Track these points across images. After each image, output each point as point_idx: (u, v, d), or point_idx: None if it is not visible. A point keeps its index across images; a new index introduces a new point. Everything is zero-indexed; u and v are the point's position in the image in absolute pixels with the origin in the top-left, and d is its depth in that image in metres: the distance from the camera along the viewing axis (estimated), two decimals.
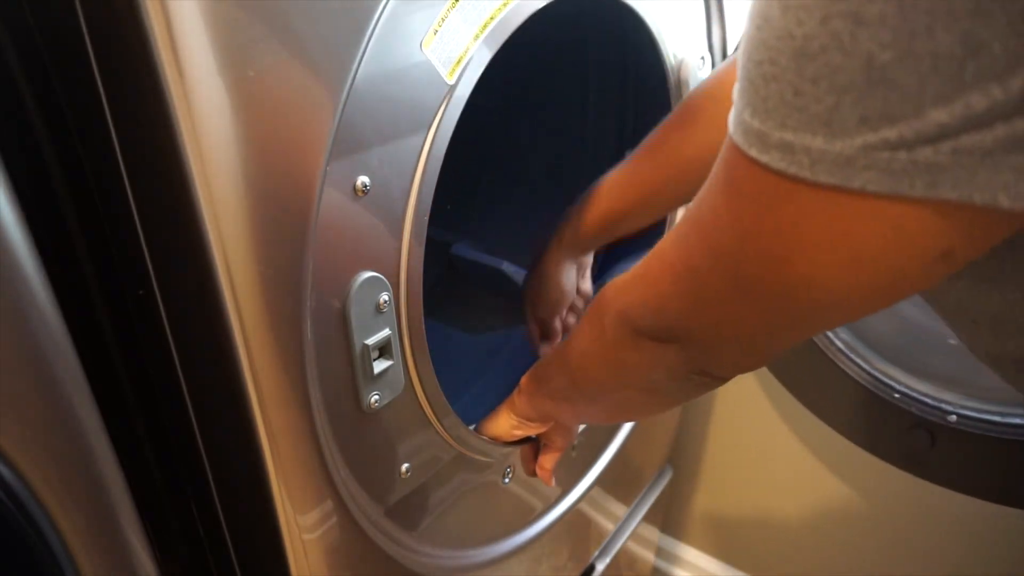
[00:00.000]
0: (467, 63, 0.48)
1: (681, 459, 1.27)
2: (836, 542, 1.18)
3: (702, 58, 0.77)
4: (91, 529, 0.41)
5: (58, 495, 0.38)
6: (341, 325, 0.46)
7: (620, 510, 1.08)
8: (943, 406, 0.90)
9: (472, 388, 0.80)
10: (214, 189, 0.37)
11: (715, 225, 0.33)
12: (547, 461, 0.64)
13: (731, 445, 1.24)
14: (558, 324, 0.79)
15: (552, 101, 0.91)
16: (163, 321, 0.44)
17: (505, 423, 0.62)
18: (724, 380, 0.42)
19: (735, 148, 0.29)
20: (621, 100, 0.86)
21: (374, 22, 0.42)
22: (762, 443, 1.17)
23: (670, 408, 0.51)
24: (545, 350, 0.80)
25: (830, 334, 0.96)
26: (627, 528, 1.10)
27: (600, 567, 1.04)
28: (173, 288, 0.43)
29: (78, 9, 0.35)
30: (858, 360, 0.95)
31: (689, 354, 0.39)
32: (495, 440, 0.64)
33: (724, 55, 0.80)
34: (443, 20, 0.46)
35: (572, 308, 0.79)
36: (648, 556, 1.30)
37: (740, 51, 0.28)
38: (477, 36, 0.49)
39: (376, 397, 0.50)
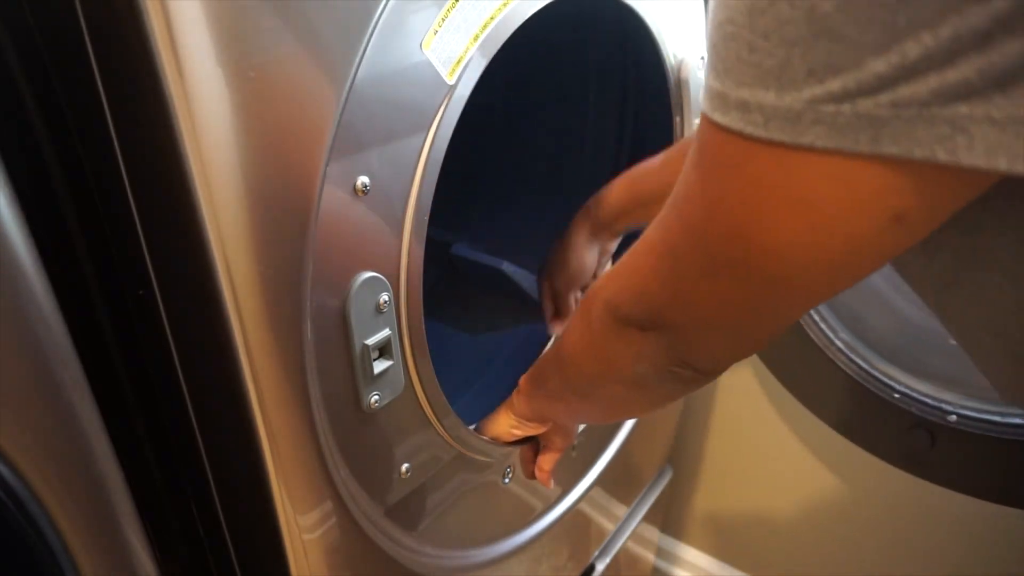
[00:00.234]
0: (467, 63, 0.48)
1: (681, 459, 1.27)
2: (836, 542, 1.18)
3: (702, 58, 0.77)
4: (91, 529, 0.41)
5: (58, 495, 0.38)
6: (341, 325, 0.46)
7: (620, 510, 1.08)
8: (943, 406, 0.90)
9: (472, 388, 0.80)
10: (214, 189, 0.37)
11: (688, 198, 0.33)
12: (546, 462, 0.64)
13: (731, 445, 1.24)
14: (572, 301, 0.78)
15: (552, 101, 0.91)
16: (163, 321, 0.44)
17: (504, 423, 0.62)
18: (707, 375, 0.41)
19: (703, 116, 0.29)
20: (621, 100, 0.86)
21: (374, 22, 0.42)
22: (761, 443, 1.17)
23: (659, 406, 0.51)
24: (557, 328, 0.79)
25: (830, 334, 0.96)
26: (627, 528, 1.10)
27: (600, 567, 1.04)
28: (173, 288, 0.43)
29: (78, 9, 0.35)
30: (858, 360, 0.95)
31: (670, 342, 0.39)
32: (495, 440, 0.64)
33: None
34: (443, 20, 0.46)
35: (588, 283, 0.77)
36: (648, 556, 1.30)
37: (708, 17, 0.29)
38: (477, 36, 0.49)
39: (376, 397, 0.50)
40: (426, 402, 0.56)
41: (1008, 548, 0.99)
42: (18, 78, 0.38)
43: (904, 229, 0.28)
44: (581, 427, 0.75)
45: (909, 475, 0.96)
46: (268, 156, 0.39)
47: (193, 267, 0.39)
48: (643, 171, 0.68)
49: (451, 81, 0.48)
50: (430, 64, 0.46)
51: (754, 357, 1.10)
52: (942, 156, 0.24)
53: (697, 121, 0.80)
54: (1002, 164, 0.23)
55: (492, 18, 0.50)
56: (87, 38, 0.35)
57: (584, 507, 0.92)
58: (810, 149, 0.26)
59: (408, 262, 0.49)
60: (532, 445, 0.66)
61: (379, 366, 0.49)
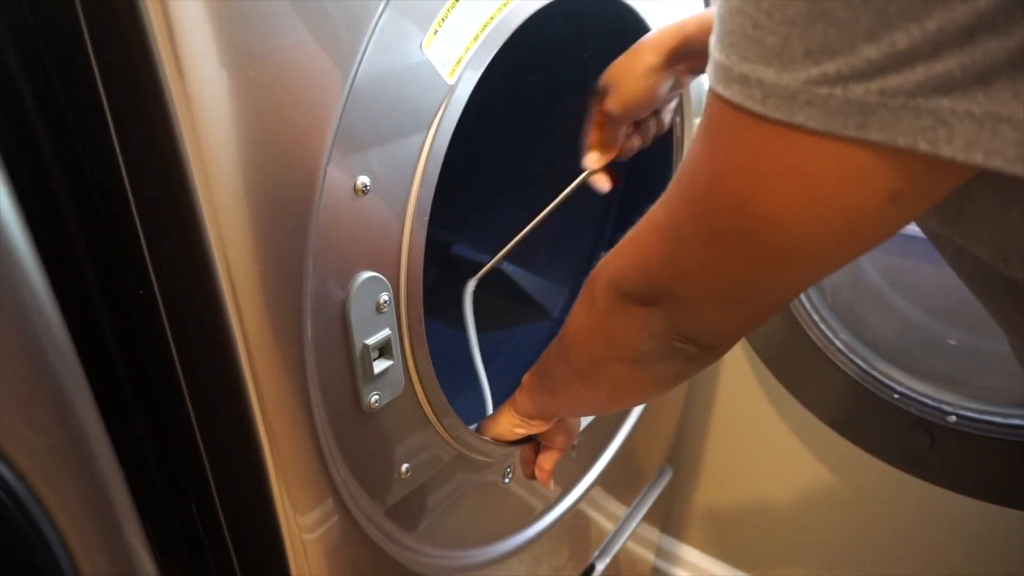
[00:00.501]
0: (467, 63, 0.48)
1: (681, 459, 1.27)
2: (836, 542, 1.18)
3: None
4: (91, 529, 0.41)
5: (58, 495, 0.38)
6: (341, 325, 0.46)
7: (620, 510, 1.08)
8: (943, 406, 0.90)
9: (472, 388, 0.80)
10: (214, 189, 0.37)
11: (692, 172, 0.34)
12: (546, 462, 0.65)
13: (730, 445, 1.24)
14: (623, 133, 0.64)
15: (552, 101, 0.91)
16: (163, 321, 0.44)
17: (507, 422, 0.62)
18: (709, 351, 0.42)
19: (710, 89, 0.30)
20: None
21: (374, 22, 0.42)
22: (761, 443, 1.18)
23: (662, 389, 0.50)
24: (591, 160, 0.65)
25: (829, 334, 0.96)
26: (627, 528, 1.10)
27: (600, 567, 1.04)
28: (173, 288, 0.43)
29: (78, 9, 0.35)
30: (858, 360, 0.95)
31: (672, 316, 0.39)
32: (496, 440, 0.64)
33: None
34: (443, 20, 0.46)
35: (643, 126, 0.64)
36: (648, 556, 1.30)
37: None
38: (477, 36, 0.49)
39: (376, 397, 0.50)
40: (426, 402, 0.56)
41: (1008, 548, 0.99)
42: (18, 78, 0.38)
43: (903, 206, 0.28)
44: (582, 426, 0.75)
45: (909, 475, 0.96)
46: (268, 156, 0.39)
47: (193, 267, 0.39)
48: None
49: (451, 81, 0.48)
50: (430, 64, 0.46)
51: (754, 357, 1.10)
52: (923, 146, 0.24)
53: (697, 121, 0.80)
54: (979, 159, 0.24)
55: (492, 18, 0.50)
56: (87, 38, 0.35)
57: (584, 507, 0.92)
58: (802, 129, 0.26)
59: (408, 262, 0.49)
60: (533, 445, 0.66)
61: (379, 366, 0.50)
